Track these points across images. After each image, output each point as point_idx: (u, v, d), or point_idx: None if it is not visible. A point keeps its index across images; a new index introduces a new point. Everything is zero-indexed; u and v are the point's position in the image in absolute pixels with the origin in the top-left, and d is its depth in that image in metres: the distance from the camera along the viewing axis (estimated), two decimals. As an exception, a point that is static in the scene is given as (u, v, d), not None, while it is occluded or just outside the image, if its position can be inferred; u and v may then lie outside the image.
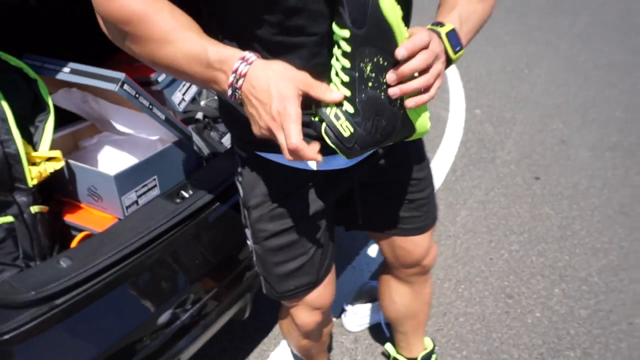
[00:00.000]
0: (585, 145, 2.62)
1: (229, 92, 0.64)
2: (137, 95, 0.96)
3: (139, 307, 0.92)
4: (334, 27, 0.66)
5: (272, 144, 0.72)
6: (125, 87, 0.94)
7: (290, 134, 0.59)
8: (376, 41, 0.64)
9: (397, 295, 1.18)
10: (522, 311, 1.65)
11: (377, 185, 0.95)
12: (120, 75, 0.94)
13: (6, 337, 0.77)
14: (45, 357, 0.80)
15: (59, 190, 1.11)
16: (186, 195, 1.05)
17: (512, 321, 1.61)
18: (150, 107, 1.00)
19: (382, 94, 0.67)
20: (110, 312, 0.88)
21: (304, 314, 0.99)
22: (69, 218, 1.07)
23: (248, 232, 0.91)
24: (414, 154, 0.96)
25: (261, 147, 0.81)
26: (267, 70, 0.62)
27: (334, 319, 1.59)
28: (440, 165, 2.45)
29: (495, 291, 1.72)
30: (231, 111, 0.82)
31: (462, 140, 2.68)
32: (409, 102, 0.67)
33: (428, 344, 1.30)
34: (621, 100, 3.11)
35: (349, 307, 1.54)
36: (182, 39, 0.64)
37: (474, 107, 3.07)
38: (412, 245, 1.03)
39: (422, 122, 0.73)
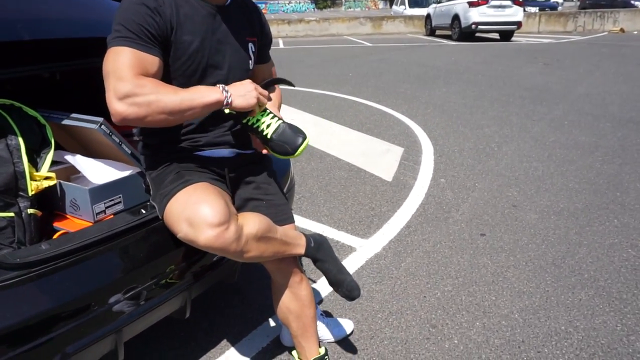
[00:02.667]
0: (534, 209, 2.91)
1: (224, 94, 1.19)
2: (110, 134, 1.39)
3: (92, 280, 1.25)
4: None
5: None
6: (103, 127, 1.38)
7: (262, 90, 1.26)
8: None
9: (278, 297, 1.47)
10: (442, 338, 1.86)
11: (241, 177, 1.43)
12: (100, 119, 1.38)
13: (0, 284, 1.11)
14: (19, 303, 1.13)
15: (54, 205, 1.50)
16: (144, 212, 1.42)
17: (431, 345, 1.83)
18: (120, 143, 1.43)
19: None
20: (70, 280, 1.21)
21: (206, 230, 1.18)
22: (56, 224, 1.45)
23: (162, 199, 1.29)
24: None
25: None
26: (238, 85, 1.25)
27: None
28: (397, 222, 2.76)
29: (421, 322, 1.95)
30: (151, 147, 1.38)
31: (422, 203, 3.01)
32: None
33: (322, 350, 1.51)
34: (577, 174, 3.43)
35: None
36: (182, 90, 1.17)
37: (439, 177, 3.43)
38: None
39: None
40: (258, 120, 1.34)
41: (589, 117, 4.93)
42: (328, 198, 3.12)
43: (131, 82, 1.11)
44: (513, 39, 13.62)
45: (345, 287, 1.50)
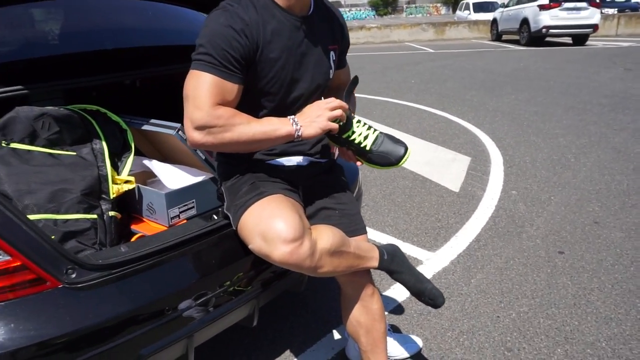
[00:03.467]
0: (619, 227, 2.67)
1: (294, 126, 1.19)
2: (186, 139, 1.41)
3: (167, 284, 1.26)
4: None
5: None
6: (179, 132, 1.40)
7: (335, 105, 1.22)
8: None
9: (348, 310, 1.42)
10: (518, 363, 1.73)
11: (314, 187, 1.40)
12: (177, 125, 1.40)
13: (81, 285, 1.15)
14: (100, 304, 1.16)
15: (132, 208, 1.55)
16: (216, 217, 1.43)
17: (507, 371, 1.70)
18: (195, 149, 1.45)
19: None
20: (147, 283, 1.23)
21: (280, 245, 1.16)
22: (134, 226, 1.50)
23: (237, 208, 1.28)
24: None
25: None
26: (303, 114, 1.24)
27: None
28: (466, 235, 2.63)
29: (495, 344, 1.83)
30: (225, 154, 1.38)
31: (492, 216, 2.85)
32: None
33: None
34: (668, 189, 3.11)
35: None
36: (254, 121, 1.18)
37: (510, 189, 3.24)
38: None
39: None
40: (354, 133, 1.29)
41: (681, 126, 4.50)
42: (392, 207, 3.04)
43: (208, 114, 1.13)
44: (587, 42, 12.80)
45: (428, 295, 1.43)
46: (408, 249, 2.51)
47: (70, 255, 1.18)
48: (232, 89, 1.18)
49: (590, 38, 13.00)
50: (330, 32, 1.37)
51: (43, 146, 1.36)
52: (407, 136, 4.59)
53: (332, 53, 1.36)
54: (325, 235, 1.23)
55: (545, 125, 4.79)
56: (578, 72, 7.99)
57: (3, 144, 1.30)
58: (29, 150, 1.33)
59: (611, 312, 1.98)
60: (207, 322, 1.34)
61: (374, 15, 49.29)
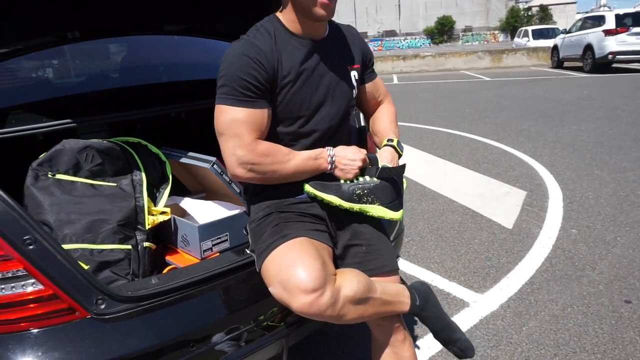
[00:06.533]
0: (699, 275, 2.38)
1: (329, 166, 1.27)
2: (221, 173, 1.41)
3: (194, 319, 1.24)
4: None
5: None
6: (215, 166, 1.41)
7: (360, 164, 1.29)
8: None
9: (378, 356, 1.33)
10: None
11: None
12: (212, 159, 1.41)
13: (109, 316, 1.15)
14: (126, 337, 1.16)
15: (167, 239, 1.56)
16: (247, 252, 1.41)
17: None
18: (230, 182, 1.44)
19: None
20: (174, 316, 1.22)
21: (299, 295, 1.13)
22: (168, 257, 1.50)
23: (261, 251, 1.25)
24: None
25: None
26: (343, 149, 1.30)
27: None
28: (518, 276, 2.45)
29: (549, 403, 1.65)
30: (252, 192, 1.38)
31: (549, 257, 2.65)
32: None
33: None
34: None
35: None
36: (293, 156, 1.24)
37: (570, 227, 3.01)
38: None
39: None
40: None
41: None
42: (439, 243, 2.90)
43: (251, 152, 1.19)
44: (661, 69, 11.99)
45: (458, 346, 1.32)
46: (454, 289, 2.37)
47: (100, 285, 1.19)
48: (261, 115, 1.21)
49: (663, 64, 12.19)
50: (350, 52, 1.38)
51: (86, 177, 1.41)
52: (458, 167, 4.43)
53: (353, 73, 1.38)
54: (349, 283, 1.17)
55: (611, 158, 4.46)
56: (649, 101, 7.46)
57: (49, 175, 1.36)
58: (72, 182, 1.38)
59: (688, 375, 1.74)
60: (237, 359, 1.30)
61: (429, 43, 49.18)
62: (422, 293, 1.35)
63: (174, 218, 1.51)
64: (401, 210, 1.37)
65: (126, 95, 1.66)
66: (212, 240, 1.46)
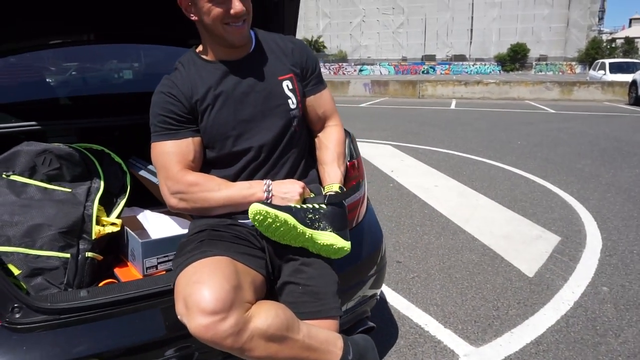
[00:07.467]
0: None
1: (265, 194, 1.21)
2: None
3: (112, 339, 1.18)
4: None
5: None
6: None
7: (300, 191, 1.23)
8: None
9: None
10: None
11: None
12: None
13: (21, 326, 1.12)
14: (31, 348, 1.11)
15: (121, 251, 1.53)
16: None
17: None
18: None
19: None
20: (90, 334, 1.16)
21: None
22: (116, 269, 1.46)
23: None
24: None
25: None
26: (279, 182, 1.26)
27: None
28: (524, 333, 2.19)
29: None
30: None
31: (566, 315, 2.35)
32: None
33: None
34: None
35: None
36: (226, 186, 1.23)
37: (602, 284, 2.68)
38: None
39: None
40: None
41: None
42: (446, 284, 2.68)
43: (179, 181, 1.23)
44: None
45: None
46: (446, 337, 2.16)
47: (17, 294, 1.16)
48: (186, 145, 1.23)
49: None
50: (279, 63, 1.34)
51: (41, 180, 1.41)
52: (492, 202, 4.14)
53: (286, 83, 1.32)
54: (265, 315, 1.06)
55: (670, 209, 3.98)
56: None
57: (4, 175, 1.37)
58: (25, 183, 1.38)
59: None
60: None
61: (499, 71, 47.68)
62: (360, 348, 1.20)
63: (126, 230, 1.47)
64: (349, 242, 1.25)
65: (98, 102, 1.67)
66: (157, 258, 1.40)
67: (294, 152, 1.35)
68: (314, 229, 1.20)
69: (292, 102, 1.33)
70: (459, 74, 44.19)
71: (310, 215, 1.20)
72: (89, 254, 1.38)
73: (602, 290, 2.61)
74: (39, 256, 1.30)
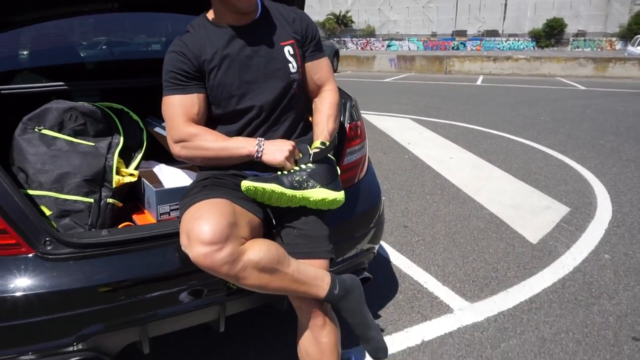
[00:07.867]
0: None
1: (256, 148, 1.32)
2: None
3: (129, 272, 1.35)
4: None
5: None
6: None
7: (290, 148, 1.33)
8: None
9: (299, 338, 1.36)
10: None
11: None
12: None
13: (52, 256, 1.30)
14: (62, 274, 1.29)
15: (139, 199, 1.70)
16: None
17: None
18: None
19: None
20: (111, 266, 1.34)
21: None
22: (134, 216, 1.64)
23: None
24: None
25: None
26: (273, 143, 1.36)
27: None
28: (519, 292, 2.29)
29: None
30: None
31: (564, 278, 2.43)
32: None
33: None
34: None
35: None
36: (223, 138, 1.35)
37: (604, 252, 2.73)
38: None
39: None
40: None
41: None
42: (449, 247, 2.79)
43: (181, 131, 1.35)
44: None
45: (371, 344, 1.32)
46: (443, 293, 2.28)
47: (49, 229, 1.34)
48: (191, 100, 1.36)
49: None
50: (283, 30, 1.45)
51: (68, 135, 1.58)
52: (505, 175, 4.17)
53: (287, 48, 1.44)
54: (257, 249, 1.21)
55: (690, 184, 3.93)
56: None
57: (36, 130, 1.55)
58: (54, 137, 1.55)
59: None
60: (164, 316, 1.40)
61: (533, 47, 45.94)
62: (346, 285, 1.34)
63: (143, 181, 1.64)
64: (342, 191, 1.37)
65: (119, 66, 1.82)
66: (169, 205, 1.56)
67: (293, 112, 1.47)
68: (304, 189, 1.32)
69: (293, 67, 1.44)
70: (490, 49, 42.85)
71: (297, 178, 1.31)
72: (110, 200, 1.56)
73: (604, 257, 2.67)
74: (66, 200, 1.48)
